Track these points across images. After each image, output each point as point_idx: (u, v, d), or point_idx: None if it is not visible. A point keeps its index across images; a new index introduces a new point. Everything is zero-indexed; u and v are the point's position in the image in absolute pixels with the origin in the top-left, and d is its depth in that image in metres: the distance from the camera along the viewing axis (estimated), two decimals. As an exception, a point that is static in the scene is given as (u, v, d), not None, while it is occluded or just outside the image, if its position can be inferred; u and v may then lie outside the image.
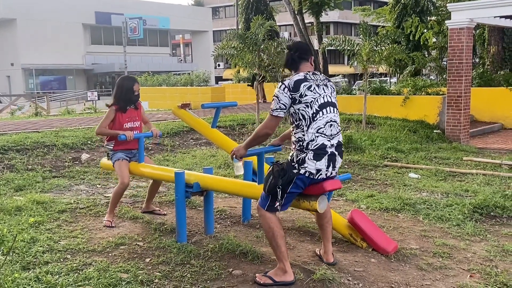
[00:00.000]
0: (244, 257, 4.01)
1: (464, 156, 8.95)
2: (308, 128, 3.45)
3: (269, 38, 11.50)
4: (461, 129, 11.09)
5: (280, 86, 3.51)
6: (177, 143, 9.45)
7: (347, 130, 10.65)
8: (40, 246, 4.16)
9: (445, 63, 18.94)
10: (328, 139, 3.49)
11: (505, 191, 6.07)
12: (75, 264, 3.81)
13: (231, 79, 29.24)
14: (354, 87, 19.85)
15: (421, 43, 19.80)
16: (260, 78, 11.66)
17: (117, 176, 5.11)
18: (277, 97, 3.50)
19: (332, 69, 30.16)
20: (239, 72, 22.26)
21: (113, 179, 6.88)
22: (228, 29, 46.23)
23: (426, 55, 21.80)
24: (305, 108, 3.45)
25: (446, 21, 11.89)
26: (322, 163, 3.45)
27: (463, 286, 3.55)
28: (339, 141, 3.57)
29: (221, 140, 5.47)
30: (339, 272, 3.72)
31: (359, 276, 3.70)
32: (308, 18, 27.68)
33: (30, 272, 3.62)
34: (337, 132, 3.57)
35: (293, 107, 3.48)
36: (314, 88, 3.51)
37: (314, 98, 3.47)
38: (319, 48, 22.48)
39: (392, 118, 12.20)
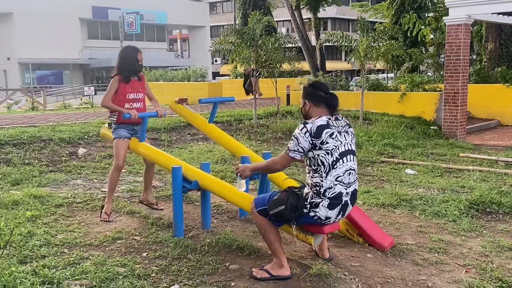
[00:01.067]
0: (240, 252, 4.02)
1: (461, 152, 8.98)
2: (327, 175, 3.38)
3: (266, 34, 11.49)
4: (458, 125, 11.12)
5: (302, 128, 3.40)
6: (174, 138, 9.45)
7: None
8: (37, 240, 4.16)
9: (442, 59, 18.96)
10: (346, 187, 3.43)
11: (501, 187, 6.09)
12: (72, 258, 3.82)
13: (228, 75, 29.22)
14: (351, 83, 19.85)
15: (419, 40, 19.79)
16: (257, 74, 11.65)
17: (113, 153, 5.07)
18: (297, 139, 3.40)
19: (329, 65, 30.15)
20: (236, 68, 22.24)
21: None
22: (225, 25, 46.19)
23: (424, 52, 21.81)
24: (325, 155, 3.37)
25: (443, 18, 11.90)
26: (334, 212, 3.42)
27: (459, 281, 3.58)
28: (355, 189, 3.53)
29: (218, 135, 5.47)
30: (335, 267, 3.74)
31: (356, 271, 3.72)
32: (306, 14, 27.67)
33: (27, 265, 3.62)
34: (354, 180, 3.52)
35: (313, 152, 3.39)
36: (336, 135, 3.41)
37: (335, 146, 3.39)
38: (316, 44, 22.48)
39: (389, 114, 12.23)
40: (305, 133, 3.38)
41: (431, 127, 11.57)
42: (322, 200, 3.38)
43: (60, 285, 3.33)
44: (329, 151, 3.37)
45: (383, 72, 29.43)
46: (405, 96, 12.84)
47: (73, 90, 35.69)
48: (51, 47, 39.18)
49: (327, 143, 3.37)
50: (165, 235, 4.40)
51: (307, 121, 3.47)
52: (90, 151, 8.04)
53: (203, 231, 4.61)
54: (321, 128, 3.38)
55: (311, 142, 3.37)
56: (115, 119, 5.00)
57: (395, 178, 6.89)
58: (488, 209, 5.31)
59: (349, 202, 3.48)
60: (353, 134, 3.62)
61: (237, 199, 4.19)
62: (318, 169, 3.40)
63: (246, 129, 10.48)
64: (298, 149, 3.41)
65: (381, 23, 24.34)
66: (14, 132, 8.19)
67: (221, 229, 4.65)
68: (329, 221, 3.46)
